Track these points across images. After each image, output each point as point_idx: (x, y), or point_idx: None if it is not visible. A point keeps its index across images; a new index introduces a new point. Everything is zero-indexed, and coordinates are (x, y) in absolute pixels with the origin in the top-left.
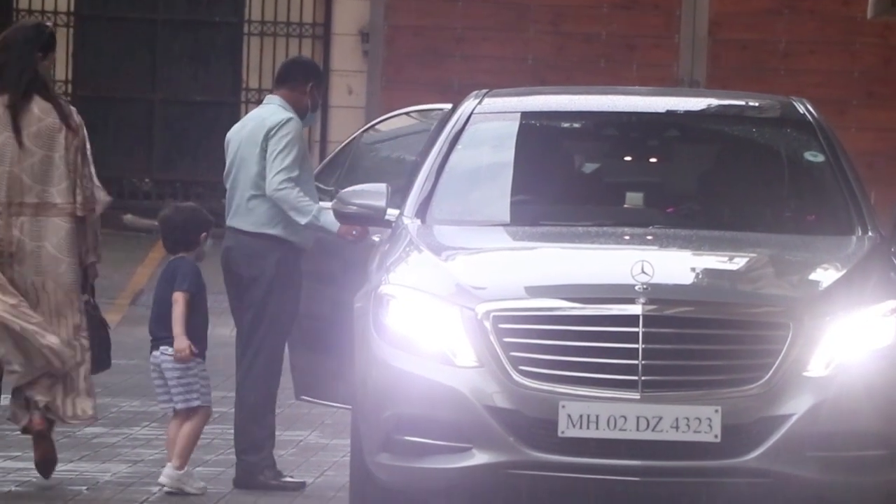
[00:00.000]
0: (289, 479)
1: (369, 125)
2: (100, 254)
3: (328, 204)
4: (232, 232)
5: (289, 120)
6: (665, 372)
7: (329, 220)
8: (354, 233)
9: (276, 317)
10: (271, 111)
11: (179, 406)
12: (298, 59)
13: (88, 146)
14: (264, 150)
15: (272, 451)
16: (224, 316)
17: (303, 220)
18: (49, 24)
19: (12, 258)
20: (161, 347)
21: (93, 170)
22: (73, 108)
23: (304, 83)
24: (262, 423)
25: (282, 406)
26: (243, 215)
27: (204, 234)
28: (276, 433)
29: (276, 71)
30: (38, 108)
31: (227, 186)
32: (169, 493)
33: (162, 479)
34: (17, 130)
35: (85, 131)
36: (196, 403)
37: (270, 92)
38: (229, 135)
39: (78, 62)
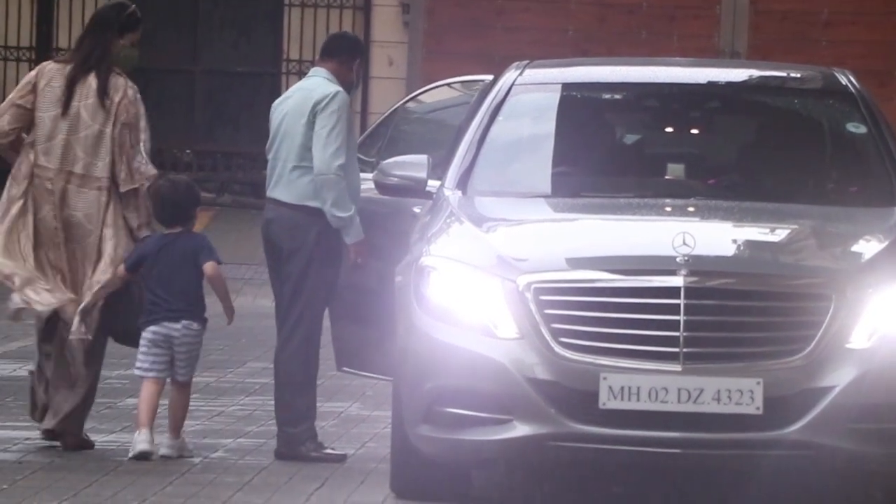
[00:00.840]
0: (330, 451)
1: (411, 96)
2: (154, 228)
3: (370, 175)
4: (273, 203)
5: (337, 93)
6: (707, 344)
7: (356, 229)
8: (360, 260)
9: (315, 289)
10: (318, 83)
11: (183, 378)
12: (347, 34)
13: (143, 123)
14: (311, 122)
15: (314, 423)
16: (265, 287)
17: (339, 213)
18: (133, 5)
19: (58, 223)
20: (183, 322)
21: (144, 146)
22: (129, 87)
23: (352, 59)
24: (302, 395)
25: (323, 377)
26: (285, 187)
27: (198, 208)
28: (318, 404)
29: (324, 43)
30: (97, 84)
31: (269, 157)
32: (164, 458)
33: (164, 451)
34: (68, 102)
35: (139, 109)
36: (192, 377)
37: (314, 64)
38: (274, 106)
39: None
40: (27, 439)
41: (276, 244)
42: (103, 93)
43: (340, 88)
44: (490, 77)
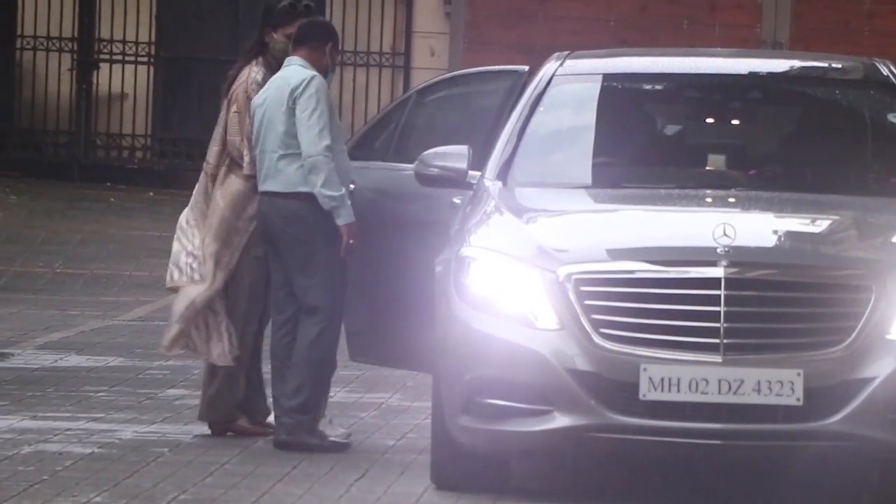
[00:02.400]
0: (335, 440)
1: (422, 84)
2: None
3: (380, 164)
4: (266, 196)
5: (313, 77)
6: (747, 335)
7: (347, 210)
8: (352, 242)
9: (327, 274)
10: (293, 71)
11: None
12: (317, 20)
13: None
14: (291, 108)
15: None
16: None
17: (329, 192)
18: None
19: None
20: None
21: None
22: (253, 78)
23: (323, 44)
24: (327, 383)
25: (363, 368)
26: (274, 177)
27: None
28: (359, 396)
29: (295, 32)
30: (235, 75)
31: (256, 153)
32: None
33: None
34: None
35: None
36: None
37: (289, 55)
38: (253, 102)
39: (161, 24)
40: (68, 430)
41: (273, 236)
42: (232, 83)
43: (316, 73)
44: (518, 68)
